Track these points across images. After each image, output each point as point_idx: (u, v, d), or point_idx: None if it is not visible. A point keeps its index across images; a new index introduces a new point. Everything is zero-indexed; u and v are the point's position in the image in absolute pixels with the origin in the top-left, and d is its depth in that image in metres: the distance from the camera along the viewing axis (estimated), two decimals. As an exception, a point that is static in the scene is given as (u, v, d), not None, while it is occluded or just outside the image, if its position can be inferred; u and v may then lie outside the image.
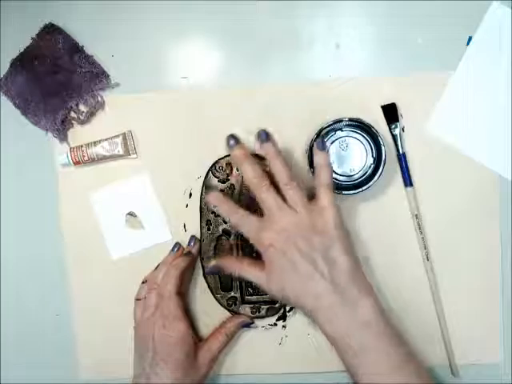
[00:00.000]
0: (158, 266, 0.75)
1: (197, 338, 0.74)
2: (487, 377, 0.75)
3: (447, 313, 0.74)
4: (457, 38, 0.73)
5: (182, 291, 0.74)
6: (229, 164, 0.74)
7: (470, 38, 0.73)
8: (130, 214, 0.76)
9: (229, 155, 0.73)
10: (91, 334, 0.78)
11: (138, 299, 0.74)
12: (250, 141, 0.72)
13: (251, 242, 0.67)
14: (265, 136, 0.67)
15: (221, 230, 0.74)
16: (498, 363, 0.75)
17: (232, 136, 0.68)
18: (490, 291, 0.74)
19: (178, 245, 0.75)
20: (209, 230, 0.74)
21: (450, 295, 0.74)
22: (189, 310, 0.76)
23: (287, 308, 0.75)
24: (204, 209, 0.74)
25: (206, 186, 0.73)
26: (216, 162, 0.74)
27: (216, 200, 0.68)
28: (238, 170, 0.73)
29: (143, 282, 0.75)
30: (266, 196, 0.66)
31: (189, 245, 0.75)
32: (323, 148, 0.67)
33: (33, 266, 0.78)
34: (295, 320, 0.76)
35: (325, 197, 0.66)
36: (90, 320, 0.78)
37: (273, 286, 0.66)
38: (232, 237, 0.74)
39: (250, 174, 0.66)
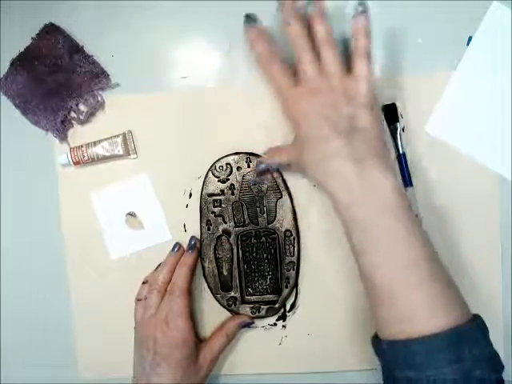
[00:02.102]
0: (158, 266, 0.75)
1: (197, 339, 0.74)
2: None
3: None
4: (457, 37, 0.73)
5: (190, 289, 0.74)
6: (229, 164, 0.74)
7: (470, 38, 0.73)
8: (130, 213, 0.76)
9: (229, 155, 0.74)
10: (91, 334, 0.78)
11: (138, 299, 0.74)
12: (250, 142, 0.73)
13: (280, 100, 0.69)
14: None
15: (221, 230, 0.74)
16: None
17: (249, 16, 0.68)
18: (491, 292, 0.74)
19: (177, 245, 0.75)
20: (209, 229, 0.74)
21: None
22: (193, 311, 0.76)
23: (287, 308, 0.76)
24: (204, 209, 0.74)
25: (247, 17, 0.69)
26: (216, 162, 0.74)
27: (257, 37, 0.68)
28: (238, 169, 0.74)
29: (144, 283, 0.75)
30: (305, 56, 0.65)
31: (189, 245, 0.74)
32: (364, 11, 0.65)
33: (33, 266, 0.78)
34: (295, 320, 0.76)
35: (360, 65, 0.65)
36: (90, 320, 0.78)
37: (294, 154, 0.67)
38: (232, 236, 0.74)
39: (296, 31, 0.65)
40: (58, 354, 0.79)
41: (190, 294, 0.74)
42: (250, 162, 0.74)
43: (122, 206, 0.76)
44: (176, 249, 0.75)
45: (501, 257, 0.74)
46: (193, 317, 0.75)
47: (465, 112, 0.74)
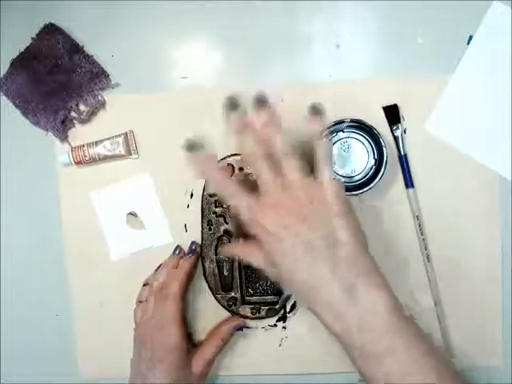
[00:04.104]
0: (158, 267, 0.75)
1: (192, 343, 0.74)
2: (488, 380, 0.75)
3: (448, 314, 0.74)
4: (457, 37, 0.73)
5: (185, 294, 0.74)
6: (231, 164, 0.74)
7: (470, 38, 0.73)
8: (131, 213, 0.76)
9: (231, 155, 0.74)
10: (91, 334, 0.78)
11: (139, 301, 0.74)
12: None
13: (245, 221, 0.60)
14: (263, 99, 0.62)
15: (222, 231, 0.74)
16: (499, 366, 0.75)
17: (232, 99, 0.62)
18: (491, 292, 0.74)
19: (178, 248, 0.75)
20: (210, 230, 0.74)
21: (450, 296, 0.74)
22: (187, 311, 0.76)
23: (287, 309, 0.76)
24: (205, 209, 0.74)
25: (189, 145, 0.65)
26: (218, 162, 0.74)
27: (207, 168, 0.63)
28: (240, 170, 0.74)
29: (144, 285, 0.75)
30: (261, 168, 0.60)
31: (189, 249, 0.74)
32: (316, 113, 0.62)
33: (33, 266, 0.78)
34: (295, 321, 0.76)
35: (325, 170, 0.60)
36: (90, 320, 0.78)
37: (270, 268, 0.60)
38: (233, 237, 0.74)
39: (248, 141, 0.61)
40: (58, 354, 0.79)
41: (184, 298, 0.74)
42: None
43: (123, 206, 0.76)
44: (177, 251, 0.75)
45: (501, 257, 0.74)
46: (186, 321, 0.75)
47: (465, 112, 0.74)
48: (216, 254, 0.75)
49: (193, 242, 0.75)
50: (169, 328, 0.70)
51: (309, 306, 0.59)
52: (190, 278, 0.74)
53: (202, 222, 0.74)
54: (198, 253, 0.74)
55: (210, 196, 0.74)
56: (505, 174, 0.73)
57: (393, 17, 0.74)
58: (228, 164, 0.74)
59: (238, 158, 0.74)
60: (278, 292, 0.74)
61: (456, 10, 0.73)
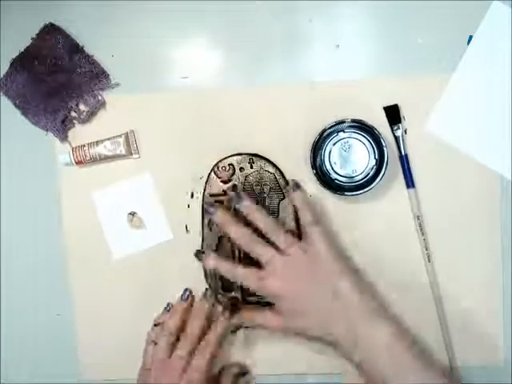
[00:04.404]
0: (167, 306, 0.75)
1: None
2: (488, 379, 0.75)
3: (449, 314, 0.74)
4: (457, 37, 0.73)
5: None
6: (231, 165, 0.74)
7: (470, 37, 0.73)
8: (132, 213, 0.76)
9: (232, 156, 0.74)
10: (92, 334, 0.78)
11: (152, 341, 0.73)
12: (251, 142, 0.73)
13: (259, 293, 0.69)
14: (239, 196, 0.69)
15: (222, 231, 0.74)
16: (500, 365, 0.75)
17: (210, 205, 0.71)
18: (492, 292, 0.74)
19: (187, 291, 0.75)
20: (211, 230, 0.74)
21: (451, 296, 0.74)
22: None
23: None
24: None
25: (197, 253, 0.72)
26: (219, 162, 0.74)
27: (214, 263, 0.70)
28: (240, 170, 0.74)
29: (155, 325, 0.74)
30: (260, 249, 0.68)
31: (183, 295, 0.75)
32: (297, 187, 0.70)
33: (34, 266, 0.78)
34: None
35: (312, 232, 0.68)
36: (91, 320, 0.78)
37: (292, 330, 0.69)
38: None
39: (238, 234, 0.69)
40: (58, 354, 0.79)
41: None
42: (253, 162, 0.74)
43: (124, 206, 0.76)
44: (186, 296, 0.75)
45: (501, 256, 0.74)
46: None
47: (465, 112, 0.74)
48: (216, 250, 0.75)
49: (186, 289, 0.75)
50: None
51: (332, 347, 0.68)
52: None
53: (203, 222, 0.74)
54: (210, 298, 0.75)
55: (211, 196, 0.74)
56: (505, 174, 0.73)
57: (393, 17, 0.74)
58: (229, 164, 0.74)
59: (239, 158, 0.74)
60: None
61: (456, 10, 0.73)
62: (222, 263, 0.69)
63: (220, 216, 0.69)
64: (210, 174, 0.74)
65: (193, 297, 0.75)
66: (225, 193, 0.74)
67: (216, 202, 0.74)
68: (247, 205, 0.69)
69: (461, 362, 0.74)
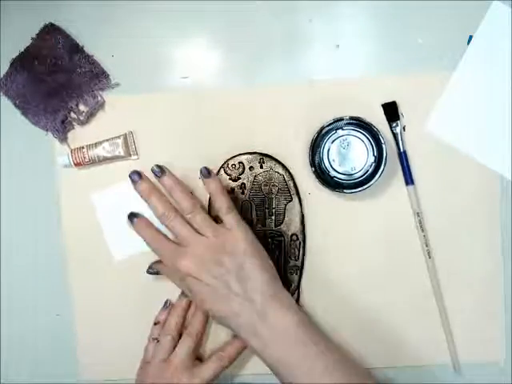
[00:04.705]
0: (165, 303, 0.76)
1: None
2: (488, 375, 0.75)
3: (449, 310, 0.74)
4: (457, 37, 0.73)
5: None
6: (241, 163, 0.74)
7: (470, 37, 0.73)
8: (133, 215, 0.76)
9: (243, 154, 0.74)
10: (92, 335, 0.78)
11: (153, 339, 0.74)
12: (250, 142, 0.74)
13: (169, 269, 0.70)
14: (159, 170, 0.70)
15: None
16: (500, 362, 0.75)
17: (135, 172, 0.71)
18: (492, 289, 0.74)
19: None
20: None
21: (451, 293, 0.74)
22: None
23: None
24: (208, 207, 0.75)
25: (130, 215, 0.73)
26: (229, 160, 0.74)
27: (141, 225, 0.72)
28: (250, 169, 0.74)
29: (155, 323, 0.75)
30: (174, 225, 0.69)
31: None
32: (208, 174, 0.70)
33: (34, 267, 0.78)
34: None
35: (228, 218, 0.69)
36: (91, 320, 0.78)
37: (200, 308, 0.72)
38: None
39: (158, 206, 0.70)
40: (58, 354, 0.78)
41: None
42: (263, 162, 0.74)
43: (124, 208, 0.75)
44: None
45: (501, 256, 0.74)
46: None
47: (465, 111, 0.74)
48: None
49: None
50: (194, 369, 0.71)
51: (231, 328, 0.68)
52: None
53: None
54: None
55: None
56: (505, 174, 0.74)
57: (393, 17, 0.74)
58: (239, 162, 0.74)
59: (250, 157, 0.74)
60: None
61: (456, 10, 0.73)
62: (148, 230, 0.71)
63: (143, 184, 0.71)
64: (219, 170, 0.74)
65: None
66: (232, 190, 0.74)
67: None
68: (169, 180, 0.70)
69: (461, 358, 0.74)
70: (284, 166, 0.74)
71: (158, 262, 0.73)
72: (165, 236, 0.71)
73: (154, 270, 0.73)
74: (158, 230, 0.71)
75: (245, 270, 0.67)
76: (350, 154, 0.70)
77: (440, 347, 0.75)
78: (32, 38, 0.75)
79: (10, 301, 0.78)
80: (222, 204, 0.69)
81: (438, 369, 0.75)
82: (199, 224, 0.69)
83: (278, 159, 0.74)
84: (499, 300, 0.74)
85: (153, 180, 0.71)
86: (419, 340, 0.75)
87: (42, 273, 0.78)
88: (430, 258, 0.73)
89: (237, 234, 0.68)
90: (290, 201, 0.74)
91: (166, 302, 0.76)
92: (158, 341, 0.73)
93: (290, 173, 0.74)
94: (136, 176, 0.71)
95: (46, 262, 0.77)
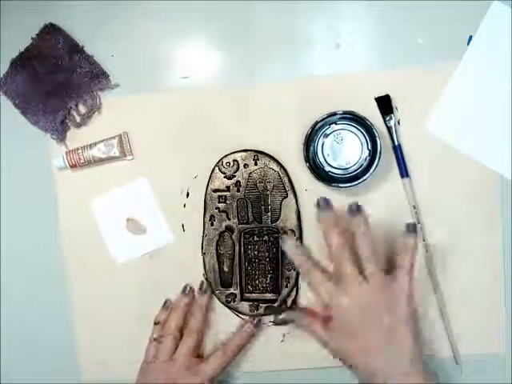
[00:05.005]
0: (165, 303, 0.76)
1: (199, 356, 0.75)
2: (488, 368, 0.74)
3: (448, 302, 0.74)
4: (457, 37, 0.73)
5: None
6: (236, 161, 0.74)
7: (470, 38, 0.73)
8: (130, 219, 0.76)
9: (237, 152, 0.74)
10: (92, 335, 0.78)
11: (154, 339, 0.74)
12: (250, 142, 0.74)
13: (326, 303, 0.67)
14: (356, 208, 0.67)
15: (224, 226, 0.74)
16: (499, 354, 0.74)
17: (324, 199, 0.68)
18: (491, 281, 0.74)
19: (188, 286, 0.76)
20: (212, 225, 0.74)
21: (450, 285, 0.74)
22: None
23: (288, 305, 0.75)
24: (208, 204, 0.75)
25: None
26: (223, 158, 0.74)
27: (299, 253, 0.70)
28: (245, 166, 0.74)
29: (156, 323, 0.75)
30: (345, 265, 0.66)
31: (184, 293, 0.75)
32: (411, 231, 0.68)
33: (34, 268, 0.78)
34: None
35: (402, 276, 0.66)
36: (91, 321, 0.78)
37: (335, 345, 0.67)
38: (235, 233, 0.74)
39: (335, 241, 0.67)
40: (58, 355, 0.79)
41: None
42: (258, 159, 0.74)
43: (121, 209, 0.76)
44: (187, 291, 0.75)
45: (501, 256, 0.74)
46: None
47: (465, 111, 0.73)
48: (217, 250, 0.75)
49: (185, 286, 0.75)
50: (196, 367, 0.71)
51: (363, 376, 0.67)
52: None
53: (205, 217, 0.75)
54: (208, 295, 0.75)
55: (214, 191, 0.74)
56: (505, 174, 0.73)
57: (393, 17, 0.74)
58: (234, 160, 0.74)
59: (244, 154, 0.74)
60: (277, 290, 0.74)
61: (456, 10, 0.73)
62: (304, 258, 0.69)
63: (327, 215, 0.68)
64: (213, 169, 0.74)
65: (193, 292, 0.75)
66: (228, 188, 0.74)
67: (219, 197, 0.74)
68: (360, 220, 0.67)
69: (462, 352, 0.74)
70: (278, 163, 0.74)
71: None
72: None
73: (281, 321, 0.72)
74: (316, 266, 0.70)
75: (398, 334, 0.65)
76: (345, 149, 0.70)
77: (440, 340, 0.74)
78: (32, 38, 0.75)
79: (10, 302, 0.79)
80: (406, 263, 0.67)
81: (438, 362, 0.75)
82: (370, 272, 0.66)
83: (273, 155, 0.74)
84: (499, 292, 0.74)
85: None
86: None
87: (42, 274, 0.78)
88: (427, 251, 0.73)
89: (402, 298, 0.66)
90: (285, 197, 0.74)
91: (165, 302, 0.76)
92: (158, 341, 0.73)
93: (284, 169, 0.74)
94: (324, 203, 0.69)
95: (46, 262, 0.78)
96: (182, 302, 0.75)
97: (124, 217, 0.76)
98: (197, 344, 0.73)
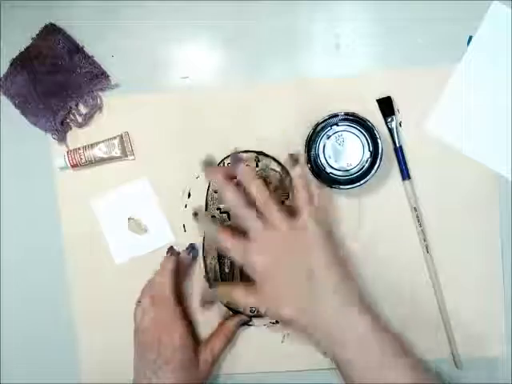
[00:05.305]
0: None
1: (197, 341, 0.73)
2: (488, 370, 0.75)
3: (448, 305, 0.74)
4: (457, 38, 0.73)
5: (179, 293, 0.74)
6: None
7: (470, 38, 0.73)
8: (131, 218, 0.76)
9: (238, 153, 0.74)
10: (92, 336, 0.78)
11: (139, 301, 0.74)
12: (250, 142, 0.73)
13: (240, 264, 0.67)
14: (237, 159, 0.70)
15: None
16: (501, 356, 0.74)
17: (235, 155, 0.71)
18: (491, 283, 0.74)
19: (172, 248, 0.75)
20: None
21: (450, 287, 0.74)
22: (188, 310, 0.76)
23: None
24: (209, 205, 0.75)
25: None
26: (225, 159, 0.74)
27: (206, 220, 0.71)
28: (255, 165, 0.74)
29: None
30: (247, 217, 0.66)
31: (187, 248, 0.75)
32: (296, 162, 0.68)
33: (34, 268, 0.78)
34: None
35: (304, 212, 0.66)
36: (91, 321, 0.78)
37: (268, 308, 0.66)
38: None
39: (232, 197, 0.66)
40: (59, 356, 0.79)
41: (184, 295, 0.75)
42: (259, 161, 0.74)
43: (122, 209, 0.76)
44: (170, 253, 0.75)
45: (501, 256, 0.74)
46: (190, 320, 0.75)
47: (465, 111, 0.74)
48: (218, 251, 0.75)
49: (190, 245, 0.75)
50: (170, 327, 0.70)
51: (304, 329, 0.65)
52: (180, 277, 0.75)
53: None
54: (177, 252, 0.75)
55: (215, 192, 0.74)
56: (505, 174, 0.73)
57: (392, 17, 0.74)
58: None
59: (246, 155, 0.74)
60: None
61: (456, 9, 0.73)
62: (212, 225, 0.69)
63: (220, 177, 0.67)
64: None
65: (178, 253, 0.75)
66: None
67: (220, 198, 0.74)
68: (244, 169, 0.67)
69: (462, 355, 0.74)
70: (279, 163, 0.74)
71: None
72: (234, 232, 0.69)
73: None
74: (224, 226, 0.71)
75: (318, 268, 0.64)
76: (346, 150, 0.70)
77: (440, 343, 0.74)
78: (32, 38, 0.75)
79: (10, 301, 0.79)
80: (305, 196, 0.66)
81: (438, 365, 0.75)
82: (273, 216, 0.66)
83: (274, 157, 0.74)
84: (499, 294, 0.74)
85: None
86: (419, 336, 0.74)
87: (42, 273, 0.78)
88: (427, 252, 0.73)
89: (311, 231, 0.65)
90: (286, 198, 0.74)
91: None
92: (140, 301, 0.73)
93: (286, 170, 0.74)
94: (237, 160, 0.70)
95: (47, 262, 0.78)
96: (165, 263, 0.74)
97: (125, 217, 0.76)
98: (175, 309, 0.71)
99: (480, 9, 0.73)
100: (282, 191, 0.74)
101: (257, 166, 0.74)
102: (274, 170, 0.74)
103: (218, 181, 0.67)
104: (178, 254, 0.75)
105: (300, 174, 0.67)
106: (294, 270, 0.64)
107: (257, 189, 0.66)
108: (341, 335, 0.63)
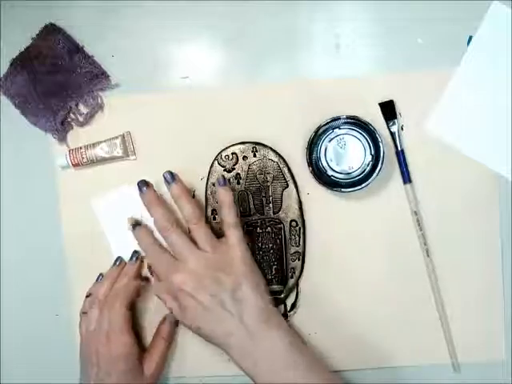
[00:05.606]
0: (99, 276, 0.76)
1: (142, 352, 0.74)
2: (489, 375, 0.75)
3: (448, 309, 0.74)
4: (457, 38, 0.73)
5: (132, 301, 0.74)
6: (235, 153, 0.74)
7: (470, 38, 0.73)
8: (133, 218, 0.76)
9: (235, 144, 0.74)
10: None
11: (83, 312, 0.74)
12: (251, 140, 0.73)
13: (160, 284, 0.70)
14: (170, 177, 0.70)
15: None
16: (501, 361, 0.75)
17: (143, 181, 0.71)
18: (491, 287, 0.74)
19: (119, 258, 0.76)
20: (214, 219, 0.75)
21: (450, 291, 0.74)
22: (136, 321, 0.77)
23: (288, 307, 0.75)
24: (209, 198, 0.75)
25: (134, 223, 0.74)
26: (222, 151, 0.74)
27: (141, 233, 0.72)
28: (244, 159, 0.74)
29: (87, 296, 0.74)
30: (174, 238, 0.69)
31: (131, 260, 0.75)
32: (224, 184, 0.70)
33: (33, 267, 0.78)
34: (297, 319, 0.75)
35: (231, 235, 0.69)
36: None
37: (189, 325, 0.68)
38: None
39: (157, 216, 0.70)
40: (59, 356, 0.79)
41: (134, 305, 0.75)
42: (257, 151, 0.74)
43: (124, 209, 0.76)
44: (118, 262, 0.75)
45: (501, 256, 0.74)
46: (136, 328, 0.76)
47: (465, 112, 0.74)
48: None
49: (134, 251, 0.75)
50: (116, 337, 0.70)
51: (223, 348, 0.68)
52: (136, 285, 0.74)
53: (206, 211, 0.75)
54: (140, 259, 0.75)
55: (214, 185, 0.74)
56: (505, 174, 0.74)
57: (392, 17, 0.74)
58: (232, 153, 0.74)
59: (243, 146, 0.74)
60: (283, 281, 0.75)
61: (456, 9, 0.73)
62: (147, 239, 0.72)
63: (149, 194, 0.71)
64: (213, 163, 0.75)
65: (124, 263, 0.75)
66: (228, 181, 0.74)
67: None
68: (178, 189, 0.70)
69: (461, 358, 0.74)
70: (277, 153, 0.74)
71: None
72: (164, 248, 0.71)
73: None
74: (157, 241, 0.72)
75: (239, 292, 0.67)
76: (348, 153, 0.70)
77: (439, 347, 0.74)
78: (32, 38, 0.75)
79: (10, 301, 0.79)
80: (230, 219, 0.69)
81: (437, 369, 0.75)
82: (201, 237, 0.69)
83: (271, 147, 0.74)
84: (499, 298, 0.74)
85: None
86: (418, 339, 0.74)
87: (42, 273, 0.78)
88: (428, 256, 0.73)
89: (236, 255, 0.68)
90: (285, 187, 0.74)
91: (99, 275, 0.76)
92: (85, 314, 0.73)
93: (283, 159, 0.74)
94: (143, 185, 0.71)
95: (47, 262, 0.78)
96: (112, 273, 0.74)
97: (126, 216, 0.75)
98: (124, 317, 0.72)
99: (480, 9, 0.73)
100: (280, 181, 0.74)
101: (254, 156, 0.74)
102: (272, 160, 0.74)
103: (148, 200, 0.71)
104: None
105: (229, 194, 0.70)
106: (218, 294, 0.67)
107: (188, 206, 0.70)
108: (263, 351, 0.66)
